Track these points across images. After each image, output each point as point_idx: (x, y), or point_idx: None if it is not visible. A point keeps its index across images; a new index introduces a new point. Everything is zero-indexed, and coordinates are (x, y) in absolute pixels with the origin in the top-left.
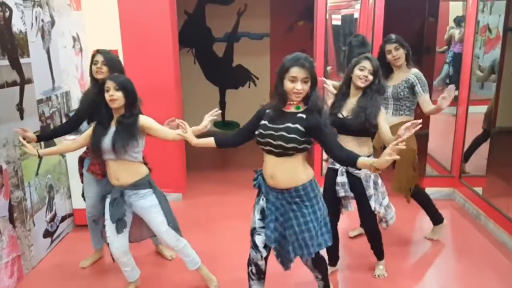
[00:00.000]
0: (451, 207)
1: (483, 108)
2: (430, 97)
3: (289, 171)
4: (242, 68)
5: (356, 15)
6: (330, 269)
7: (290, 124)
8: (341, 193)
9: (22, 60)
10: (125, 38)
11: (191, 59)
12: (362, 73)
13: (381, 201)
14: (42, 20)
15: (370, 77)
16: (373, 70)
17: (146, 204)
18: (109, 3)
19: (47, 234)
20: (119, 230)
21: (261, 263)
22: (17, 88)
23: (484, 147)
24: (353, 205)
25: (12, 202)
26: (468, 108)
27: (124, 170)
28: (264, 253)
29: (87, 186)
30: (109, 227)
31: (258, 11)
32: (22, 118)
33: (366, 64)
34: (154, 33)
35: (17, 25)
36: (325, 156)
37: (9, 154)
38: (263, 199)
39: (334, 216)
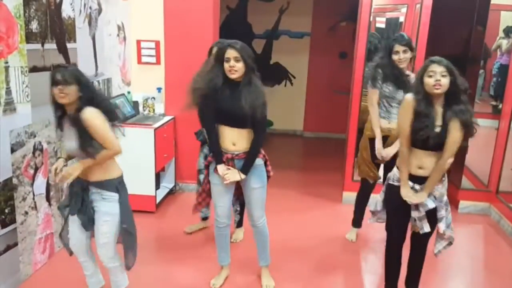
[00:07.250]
0: (485, 223)
1: None
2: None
3: None
4: (280, 66)
5: (401, 19)
6: None
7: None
8: (422, 212)
9: (68, 45)
10: (168, 29)
11: None
12: (433, 79)
13: (449, 223)
14: (90, 7)
15: (444, 80)
16: (447, 70)
17: (104, 208)
18: None
19: None
20: (83, 224)
21: None
22: None
23: None
24: (428, 225)
25: (49, 181)
26: None
27: (97, 166)
28: None
29: None
30: (71, 219)
31: (300, 9)
32: None
33: (435, 67)
34: (196, 27)
35: (66, 10)
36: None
37: (50, 135)
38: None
39: (401, 238)
